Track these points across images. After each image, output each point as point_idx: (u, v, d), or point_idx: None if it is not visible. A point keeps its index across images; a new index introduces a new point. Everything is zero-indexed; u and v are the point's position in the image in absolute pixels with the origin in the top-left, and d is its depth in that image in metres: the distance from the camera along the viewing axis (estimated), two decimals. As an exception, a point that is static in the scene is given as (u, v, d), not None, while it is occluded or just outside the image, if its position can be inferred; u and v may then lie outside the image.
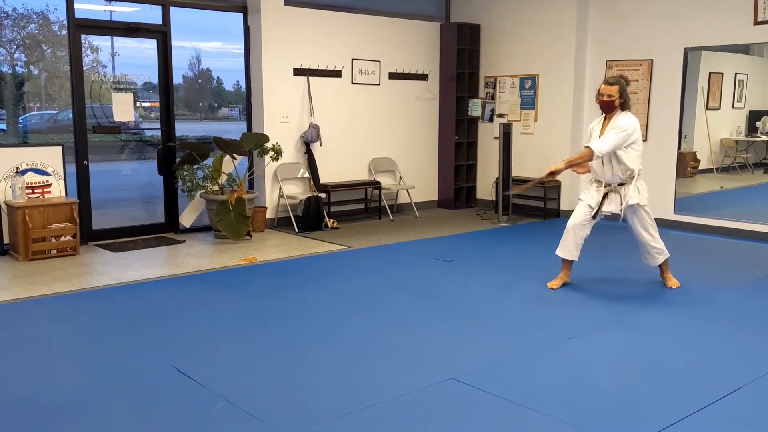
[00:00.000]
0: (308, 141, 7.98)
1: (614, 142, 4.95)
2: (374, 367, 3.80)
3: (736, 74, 8.51)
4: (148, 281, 5.56)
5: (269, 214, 7.87)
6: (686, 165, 8.25)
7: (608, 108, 5.05)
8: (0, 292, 5.19)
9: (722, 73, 8.40)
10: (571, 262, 5.34)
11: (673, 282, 5.40)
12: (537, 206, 8.69)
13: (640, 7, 7.90)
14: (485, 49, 9.28)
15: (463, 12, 9.35)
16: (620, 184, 5.12)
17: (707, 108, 8.36)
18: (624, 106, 5.05)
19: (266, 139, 7.51)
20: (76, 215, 6.42)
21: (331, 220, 7.89)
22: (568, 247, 5.28)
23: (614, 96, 4.99)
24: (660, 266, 5.41)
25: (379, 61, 8.67)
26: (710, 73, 8.28)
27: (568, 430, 3.06)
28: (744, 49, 7.54)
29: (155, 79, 7.36)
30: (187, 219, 7.44)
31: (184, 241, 7.12)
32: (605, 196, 5.14)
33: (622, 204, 5.09)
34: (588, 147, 5.01)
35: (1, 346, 4.12)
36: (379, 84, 8.70)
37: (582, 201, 5.28)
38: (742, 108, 8.74)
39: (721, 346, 4.15)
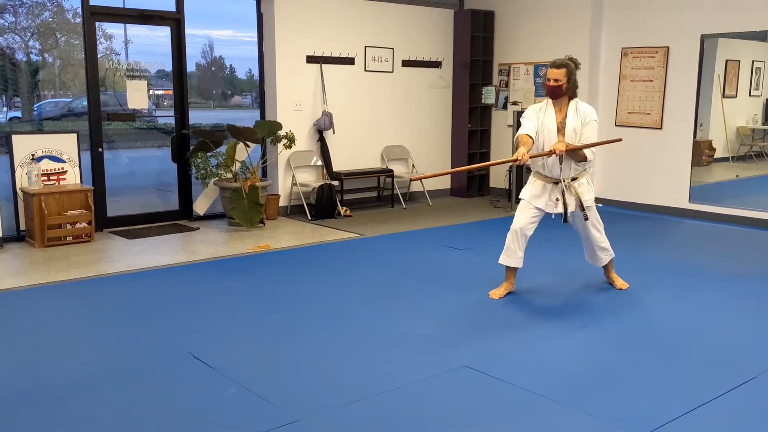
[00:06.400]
0: (321, 129, 7.98)
1: (595, 139, 4.52)
2: (387, 353, 3.81)
3: (753, 62, 8.41)
4: (163, 268, 5.59)
5: (282, 202, 7.89)
6: (702, 153, 8.18)
7: (556, 94, 4.54)
8: (16, 278, 5.24)
9: (739, 61, 8.31)
10: (515, 269, 4.84)
11: (620, 283, 5.01)
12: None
13: (656, -7, 7.82)
14: (499, 36, 9.22)
15: (477, -1, 9.30)
16: (573, 179, 4.64)
17: (723, 96, 8.27)
18: (571, 91, 4.57)
19: (279, 126, 7.51)
20: (91, 202, 6.46)
21: (344, 208, 7.89)
22: (515, 254, 4.76)
23: (561, 80, 4.50)
24: (605, 267, 5.02)
25: (393, 49, 8.63)
26: (727, 61, 8.18)
27: (581, 418, 3.06)
28: (762, 36, 7.45)
29: (168, 67, 7.38)
30: (200, 206, 7.47)
31: (197, 228, 7.16)
32: (554, 195, 4.65)
33: (573, 204, 4.62)
34: (561, 145, 4.40)
35: (18, 332, 4.17)
36: (392, 71, 8.67)
37: (526, 201, 4.73)
38: (759, 96, 8.64)
39: (736, 336, 4.12)
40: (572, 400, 3.21)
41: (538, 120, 4.61)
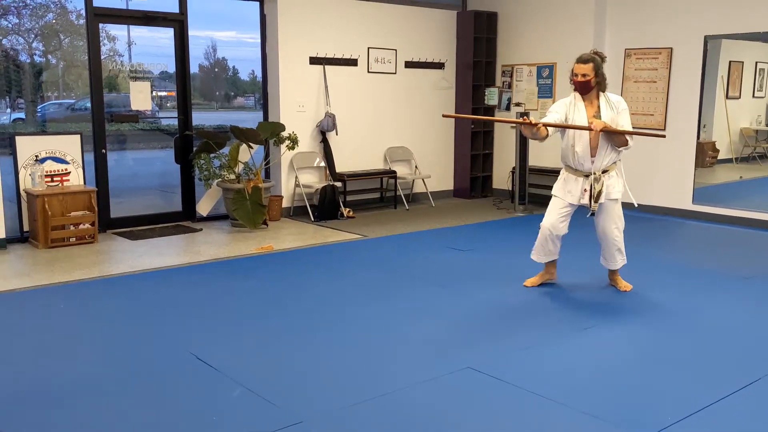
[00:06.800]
0: (324, 130, 7.98)
1: (630, 125, 4.69)
2: (390, 355, 3.81)
3: (756, 63, 8.40)
4: (166, 269, 5.59)
5: (285, 203, 7.89)
6: (705, 155, 8.17)
7: (585, 89, 4.62)
8: (20, 279, 5.25)
9: (742, 62, 8.30)
10: (554, 261, 5.01)
11: (624, 285, 5.02)
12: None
13: (659, -6, 7.81)
14: (502, 38, 9.22)
15: (480, 0, 9.29)
16: (603, 172, 4.69)
17: (727, 97, 8.26)
18: (601, 86, 4.65)
19: (282, 128, 7.52)
20: (94, 203, 6.47)
21: (347, 209, 7.89)
22: (546, 251, 4.93)
23: (589, 75, 4.57)
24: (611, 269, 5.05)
25: (396, 50, 8.63)
26: (730, 62, 8.17)
27: (585, 420, 3.05)
28: (765, 37, 7.43)
29: (171, 69, 7.39)
30: (204, 207, 7.48)
31: (201, 229, 7.16)
32: (585, 186, 4.70)
33: (602, 196, 4.68)
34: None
35: (21, 333, 4.17)
36: (395, 72, 8.67)
37: (558, 198, 4.82)
38: (762, 97, 8.63)
39: (739, 337, 4.11)
40: (575, 402, 3.21)
41: (566, 116, 4.68)
